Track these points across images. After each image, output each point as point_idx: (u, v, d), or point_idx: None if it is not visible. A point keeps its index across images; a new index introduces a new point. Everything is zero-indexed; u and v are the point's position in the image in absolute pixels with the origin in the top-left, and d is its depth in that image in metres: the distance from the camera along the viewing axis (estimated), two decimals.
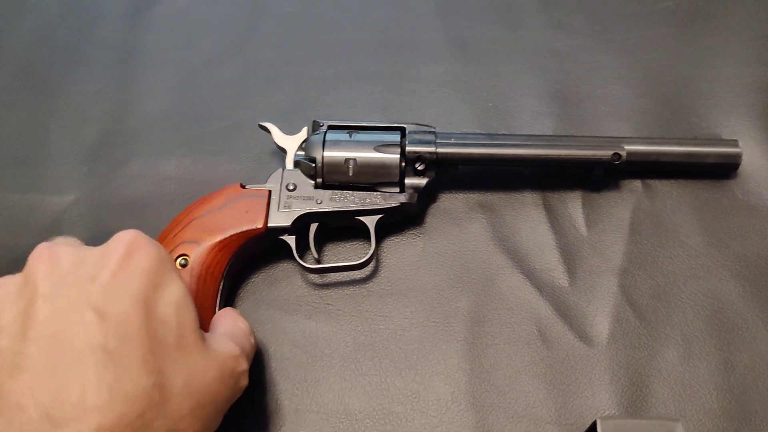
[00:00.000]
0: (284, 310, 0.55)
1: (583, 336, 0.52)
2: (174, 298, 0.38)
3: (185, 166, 0.63)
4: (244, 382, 0.41)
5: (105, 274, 0.36)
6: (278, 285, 0.56)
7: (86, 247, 0.40)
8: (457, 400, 0.50)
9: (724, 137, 0.60)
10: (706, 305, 0.52)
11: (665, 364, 0.50)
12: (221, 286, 0.52)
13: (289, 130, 0.58)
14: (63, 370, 0.33)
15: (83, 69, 0.69)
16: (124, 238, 0.39)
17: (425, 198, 0.58)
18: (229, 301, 0.54)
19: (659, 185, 0.58)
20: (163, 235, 0.53)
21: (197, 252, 0.51)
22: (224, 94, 0.68)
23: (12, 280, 0.38)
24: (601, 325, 0.52)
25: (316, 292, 0.56)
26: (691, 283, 0.53)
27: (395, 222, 0.57)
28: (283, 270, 0.57)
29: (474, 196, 0.59)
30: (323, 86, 0.67)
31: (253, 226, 0.53)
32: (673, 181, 0.58)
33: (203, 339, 0.39)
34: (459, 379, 0.51)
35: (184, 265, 0.51)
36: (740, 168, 0.57)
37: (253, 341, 0.46)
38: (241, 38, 0.71)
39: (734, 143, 0.57)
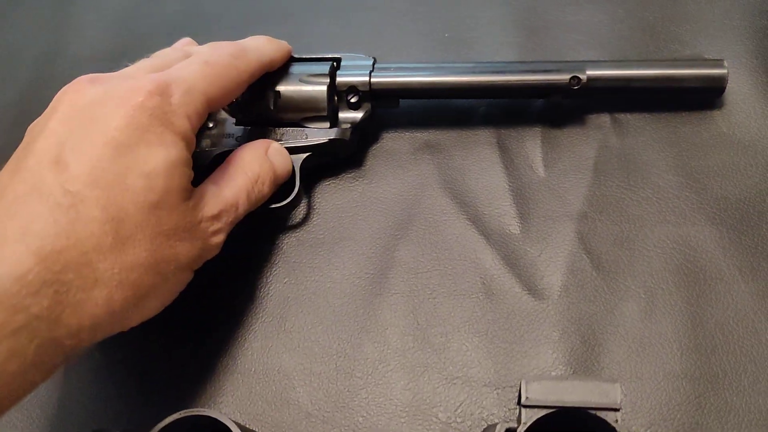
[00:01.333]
0: None
1: (532, 288, 0.45)
2: (169, 157, 0.36)
3: None
4: (216, 240, 0.40)
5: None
6: None
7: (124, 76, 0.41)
8: (385, 359, 0.44)
9: None
10: (675, 254, 0.45)
11: (623, 320, 0.43)
12: None
13: None
14: (21, 199, 0.33)
15: (12, 11, 0.65)
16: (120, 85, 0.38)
17: (363, 136, 0.52)
18: None
19: (630, 119, 0.51)
20: None
21: None
22: (165, 31, 0.63)
23: None
24: (553, 276, 0.46)
25: (238, 240, 0.50)
26: (660, 229, 0.46)
27: (330, 164, 0.51)
28: None
29: (421, 135, 0.53)
30: (269, 20, 0.62)
31: None
32: (646, 115, 0.51)
33: (183, 200, 0.38)
34: (389, 337, 0.45)
35: None
36: (726, 97, 0.50)
37: (258, 189, 0.44)
38: None
39: (719, 63, 0.49)
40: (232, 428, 0.37)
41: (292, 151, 0.49)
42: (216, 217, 0.40)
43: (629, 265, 0.45)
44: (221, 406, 0.44)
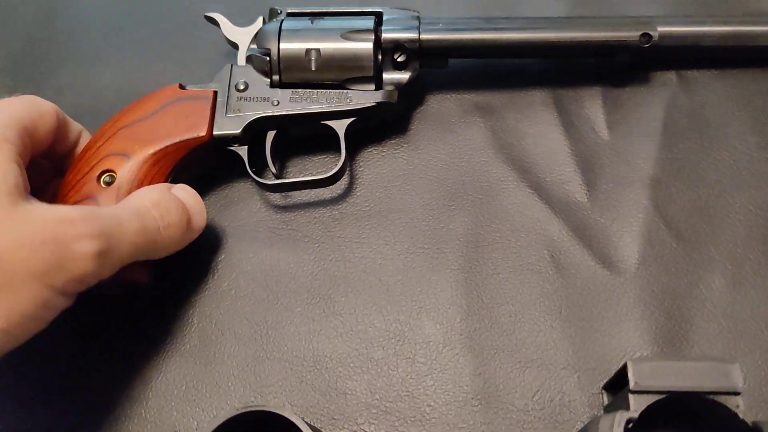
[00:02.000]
0: (240, 238, 0.46)
1: (607, 261, 0.42)
2: None
3: (123, 73, 0.55)
4: (79, 247, 0.34)
5: None
6: (233, 208, 0.47)
7: None
8: (451, 342, 0.41)
9: None
10: (760, 220, 0.43)
11: (710, 294, 0.41)
12: None
13: (244, 24, 0.48)
14: None
15: None
16: None
17: (408, 98, 0.48)
18: None
19: (698, 76, 0.48)
20: (86, 148, 0.43)
21: (126, 167, 0.42)
22: None
23: None
24: (628, 247, 0.42)
25: (279, 215, 0.46)
26: (742, 194, 0.44)
27: (372, 129, 0.48)
28: (239, 190, 0.48)
29: (469, 97, 0.49)
30: None
31: (195, 134, 0.43)
32: (715, 71, 0.48)
33: (15, 204, 0.34)
34: (453, 318, 0.42)
35: (109, 183, 0.42)
36: None
37: (160, 214, 0.39)
38: None
39: None
40: (302, 428, 0.33)
41: (336, 115, 0.44)
42: (80, 220, 0.34)
43: (711, 234, 0.42)
44: (269, 398, 0.40)
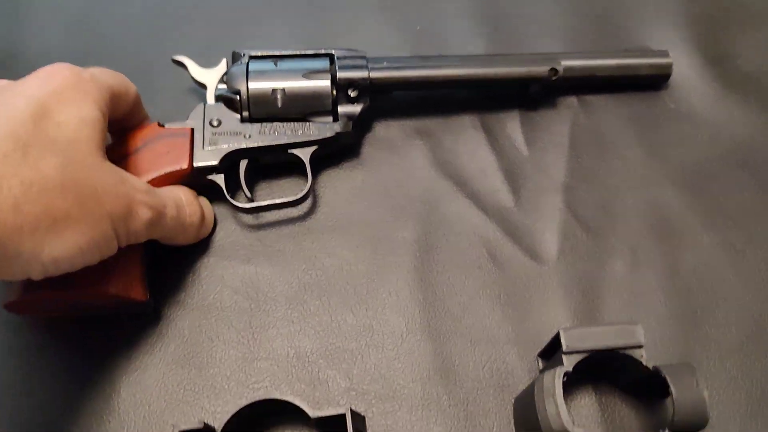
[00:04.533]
0: (220, 255, 0.51)
1: (534, 254, 0.51)
2: (81, 114, 0.40)
3: None
4: (142, 213, 0.42)
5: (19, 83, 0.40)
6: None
7: None
8: (413, 330, 0.48)
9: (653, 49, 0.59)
10: (648, 214, 0.52)
11: (614, 275, 0.50)
12: None
13: (205, 66, 0.53)
14: None
15: None
16: (48, 67, 0.42)
17: (360, 127, 0.55)
18: (158, 248, 0.50)
19: (594, 100, 0.58)
20: None
21: None
22: (128, 32, 0.62)
23: None
24: (549, 241, 0.51)
25: (252, 234, 0.52)
26: (633, 194, 0.53)
27: (330, 155, 0.54)
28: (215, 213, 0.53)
29: (410, 123, 0.57)
30: (238, 19, 0.63)
31: (177, 167, 0.48)
32: (607, 95, 0.58)
33: (103, 158, 0.40)
34: (412, 310, 0.49)
35: None
36: (669, 78, 0.57)
37: (189, 212, 0.47)
38: None
39: (665, 53, 0.57)
40: (305, 408, 0.39)
41: (301, 145, 0.51)
42: (144, 192, 0.42)
43: (612, 227, 0.52)
44: (261, 393, 0.46)
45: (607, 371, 0.42)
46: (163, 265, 0.50)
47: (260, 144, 0.50)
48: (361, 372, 0.47)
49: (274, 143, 0.50)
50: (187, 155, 0.49)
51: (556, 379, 0.37)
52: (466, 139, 0.56)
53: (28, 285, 0.42)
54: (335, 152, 0.54)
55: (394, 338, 0.48)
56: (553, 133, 0.56)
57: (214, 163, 0.49)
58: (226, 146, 0.50)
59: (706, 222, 0.52)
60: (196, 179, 0.49)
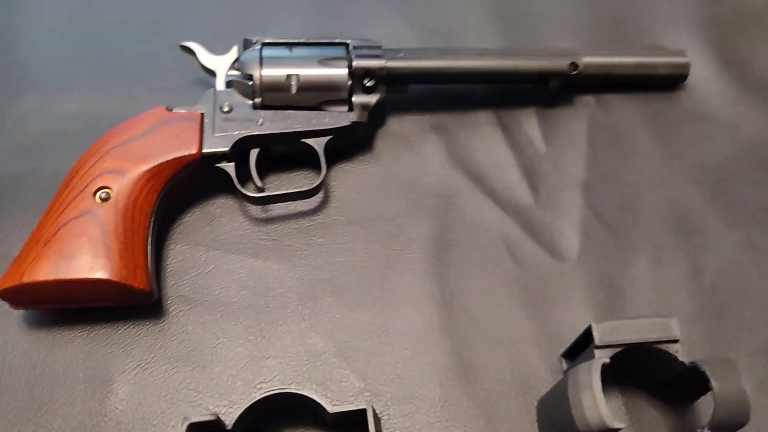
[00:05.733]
0: (227, 249, 0.49)
1: (554, 252, 0.49)
2: None
3: (91, 100, 0.56)
4: None
5: None
6: (217, 222, 0.50)
7: None
8: (430, 329, 0.46)
9: None
10: (669, 213, 0.51)
11: (637, 273, 0.48)
12: (152, 222, 0.45)
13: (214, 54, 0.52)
14: None
15: None
16: None
17: (374, 120, 0.53)
18: (161, 241, 0.47)
19: (612, 99, 0.57)
20: (76, 168, 0.45)
21: (122, 183, 0.45)
22: (132, 21, 0.61)
23: None
24: (570, 239, 0.50)
25: (261, 227, 0.50)
26: (653, 193, 0.52)
27: (342, 147, 0.52)
28: (220, 206, 0.51)
29: (425, 118, 0.55)
30: (249, 10, 0.61)
31: (186, 152, 0.46)
32: (624, 95, 0.57)
33: None
34: (429, 308, 0.47)
35: (105, 199, 0.44)
36: (686, 78, 0.57)
37: None
38: None
39: (682, 53, 0.56)
40: (322, 403, 0.37)
41: (315, 134, 0.49)
42: None
43: (634, 225, 0.50)
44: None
45: (636, 370, 0.40)
46: (166, 258, 0.47)
47: (273, 131, 0.48)
48: (376, 372, 0.45)
49: (287, 130, 0.48)
50: (196, 141, 0.47)
51: (593, 371, 0.35)
52: (482, 135, 0.54)
53: (26, 270, 0.39)
54: (348, 145, 0.52)
55: (410, 337, 0.46)
56: (570, 131, 0.55)
57: (225, 149, 0.47)
58: (238, 132, 0.48)
59: (728, 220, 0.51)
60: (203, 167, 0.47)
